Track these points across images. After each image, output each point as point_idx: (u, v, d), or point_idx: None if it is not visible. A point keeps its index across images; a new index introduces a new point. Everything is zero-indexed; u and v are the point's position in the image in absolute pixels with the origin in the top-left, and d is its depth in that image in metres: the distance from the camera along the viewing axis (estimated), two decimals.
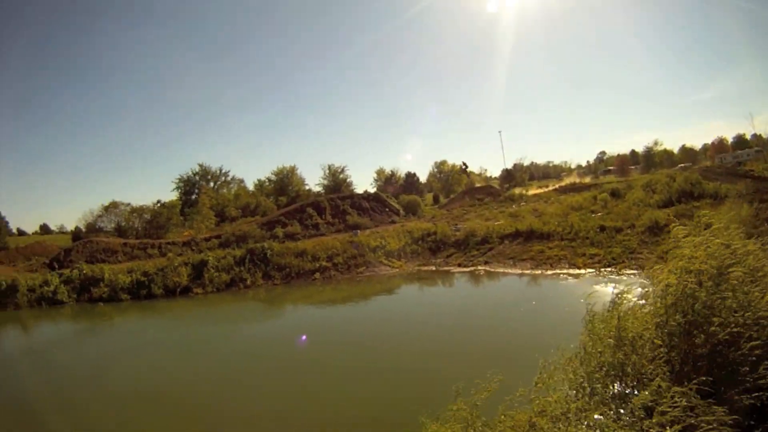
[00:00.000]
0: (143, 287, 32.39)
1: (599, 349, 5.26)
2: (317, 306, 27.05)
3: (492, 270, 29.12)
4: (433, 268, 31.78)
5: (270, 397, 14.00)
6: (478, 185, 66.98)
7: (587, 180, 68.61)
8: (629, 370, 5.02)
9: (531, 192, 57.14)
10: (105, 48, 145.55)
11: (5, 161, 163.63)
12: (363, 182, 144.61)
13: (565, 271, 26.16)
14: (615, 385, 5.05)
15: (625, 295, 5.49)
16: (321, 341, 19.03)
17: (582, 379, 5.25)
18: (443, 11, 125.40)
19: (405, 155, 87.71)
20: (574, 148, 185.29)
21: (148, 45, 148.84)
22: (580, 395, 5.17)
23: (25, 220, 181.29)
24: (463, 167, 71.91)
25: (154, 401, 14.61)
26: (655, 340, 5.06)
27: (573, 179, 72.46)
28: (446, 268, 31.29)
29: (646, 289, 5.79)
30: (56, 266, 42.36)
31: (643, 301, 5.64)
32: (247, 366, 17.17)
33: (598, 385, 5.10)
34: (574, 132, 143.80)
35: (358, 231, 39.42)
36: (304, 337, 18.99)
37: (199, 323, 26.48)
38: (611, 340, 5.18)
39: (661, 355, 4.94)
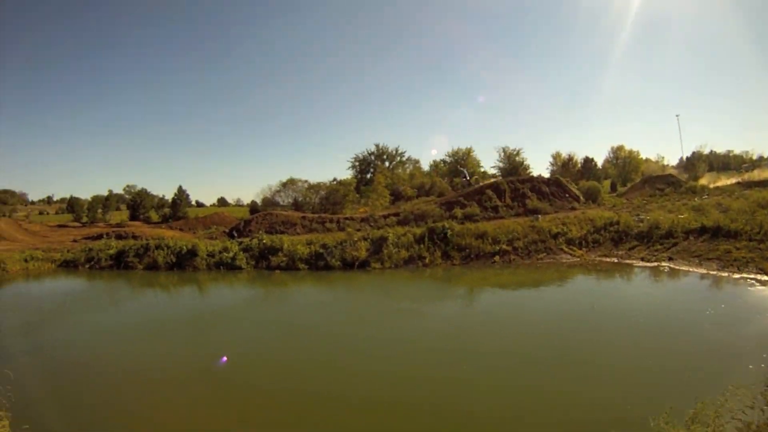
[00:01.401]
0: (321, 259, 33.03)
1: None
2: (496, 289, 26.00)
3: (676, 267, 26.05)
4: (615, 260, 29.08)
5: (449, 380, 13.19)
6: (657, 174, 60.88)
7: None
8: None
9: (713, 184, 51.00)
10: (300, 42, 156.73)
11: (191, 146, 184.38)
12: (538, 166, 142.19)
13: (752, 276, 22.67)
14: None
15: None
16: (501, 327, 18.55)
17: None
18: None
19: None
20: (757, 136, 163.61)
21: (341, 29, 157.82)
22: None
23: (204, 193, 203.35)
24: (464, 177, 63.05)
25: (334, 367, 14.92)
26: None
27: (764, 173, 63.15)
28: (628, 261, 28.53)
29: None
30: (235, 235, 45.44)
31: None
32: (426, 343, 16.79)
33: None
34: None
35: (539, 216, 37.19)
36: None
37: (378, 296, 26.55)
38: None
39: None
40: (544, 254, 30.79)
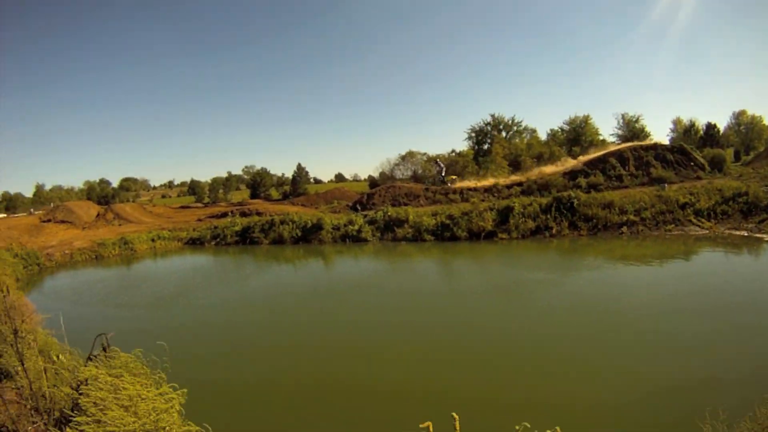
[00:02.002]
0: (447, 230, 33.67)
1: None
2: (626, 262, 24.55)
3: None
4: (745, 234, 27.64)
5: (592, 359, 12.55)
6: None
7: None
8: None
9: None
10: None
11: (308, 125, 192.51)
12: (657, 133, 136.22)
13: None
14: None
15: None
16: (637, 304, 16.92)
17: None
18: None
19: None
20: None
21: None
22: None
23: (321, 170, 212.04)
24: (438, 170, 57.30)
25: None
26: None
27: None
28: (759, 235, 26.89)
29: None
30: (359, 208, 47.46)
31: None
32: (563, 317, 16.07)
33: None
34: None
35: (665, 185, 36.10)
36: None
37: (507, 267, 26.31)
38: None
39: None
40: (672, 225, 30.07)
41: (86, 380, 6.36)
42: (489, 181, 49.18)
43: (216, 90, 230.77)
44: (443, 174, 54.35)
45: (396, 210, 38.38)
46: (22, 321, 6.47)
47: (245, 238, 42.32)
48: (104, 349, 6.99)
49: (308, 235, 39.08)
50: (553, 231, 31.13)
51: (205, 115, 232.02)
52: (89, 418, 5.63)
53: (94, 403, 5.80)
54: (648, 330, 14.14)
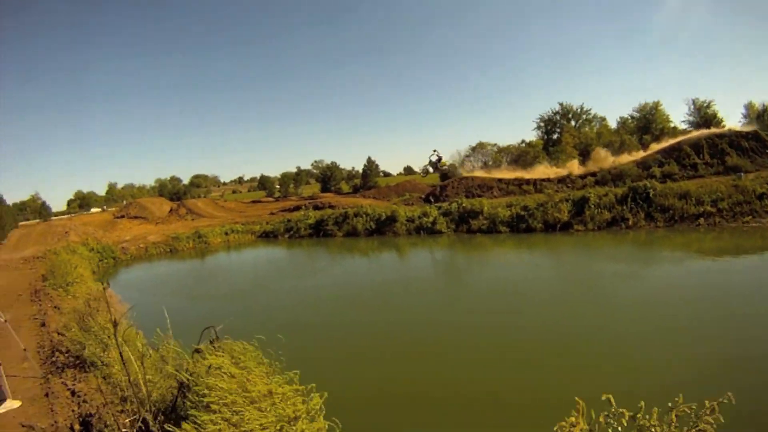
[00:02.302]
0: (522, 221, 33.99)
1: None
2: (702, 257, 23.48)
3: None
4: None
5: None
6: None
7: None
8: None
9: None
10: None
11: (377, 119, 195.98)
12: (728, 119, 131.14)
13: None
14: None
15: None
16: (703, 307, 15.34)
17: None
18: None
19: None
20: None
21: None
22: None
23: (389, 163, 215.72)
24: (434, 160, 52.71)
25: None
26: None
27: None
28: None
29: None
30: (432, 200, 48.82)
31: None
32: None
33: None
34: None
35: (742, 174, 35.34)
36: None
37: (591, 260, 26.03)
38: None
39: None
40: (750, 217, 29.10)
41: (207, 368, 5.92)
42: (563, 172, 49.43)
43: (283, 86, 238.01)
44: (438, 161, 54.61)
45: (470, 201, 38.76)
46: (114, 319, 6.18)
47: (319, 231, 43.67)
48: (211, 342, 6.50)
49: (382, 228, 40.03)
50: (629, 222, 30.79)
51: (273, 111, 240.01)
52: (215, 415, 5.30)
53: (218, 398, 5.43)
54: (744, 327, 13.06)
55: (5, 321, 8.82)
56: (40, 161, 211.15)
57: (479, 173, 56.00)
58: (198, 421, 5.22)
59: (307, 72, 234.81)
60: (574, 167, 50.89)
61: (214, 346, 6.42)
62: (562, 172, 50.08)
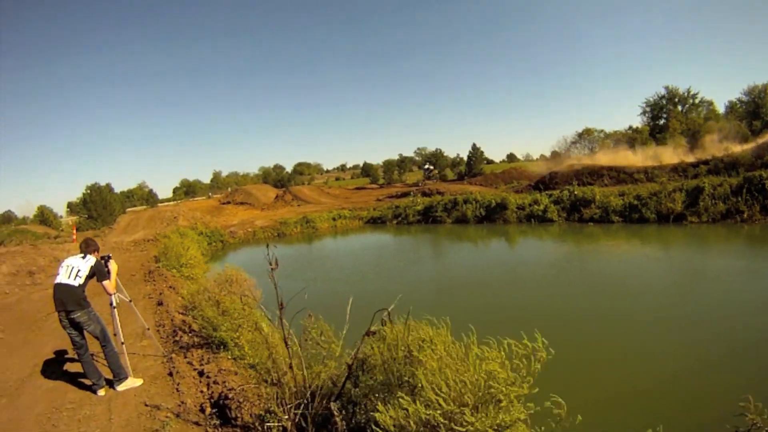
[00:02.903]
0: (635, 211, 33.35)
1: None
2: None
3: None
4: None
5: None
6: None
7: None
8: None
9: None
10: None
11: (479, 106, 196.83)
12: None
13: None
14: None
15: None
16: None
17: None
18: None
19: None
20: None
21: None
22: None
23: (492, 150, 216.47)
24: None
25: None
26: None
27: None
28: None
29: None
30: (541, 188, 48.91)
31: None
32: None
33: None
34: None
35: None
36: None
37: (700, 255, 24.33)
38: None
39: None
40: None
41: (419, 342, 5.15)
42: (673, 160, 47.86)
43: (385, 73, 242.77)
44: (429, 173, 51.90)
45: (582, 189, 38.37)
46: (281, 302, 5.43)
47: (427, 217, 44.18)
48: (383, 324, 5.61)
49: (492, 215, 40.16)
50: (744, 215, 29.23)
51: (375, 98, 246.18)
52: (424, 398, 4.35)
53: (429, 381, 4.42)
54: None
55: (129, 301, 8.78)
56: (147, 152, 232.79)
57: (587, 160, 55.59)
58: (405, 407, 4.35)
59: (415, 59, 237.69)
60: (683, 154, 49.47)
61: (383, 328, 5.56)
62: (670, 159, 48.60)
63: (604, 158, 54.45)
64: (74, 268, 7.21)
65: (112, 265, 7.78)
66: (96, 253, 7.68)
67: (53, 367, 9.04)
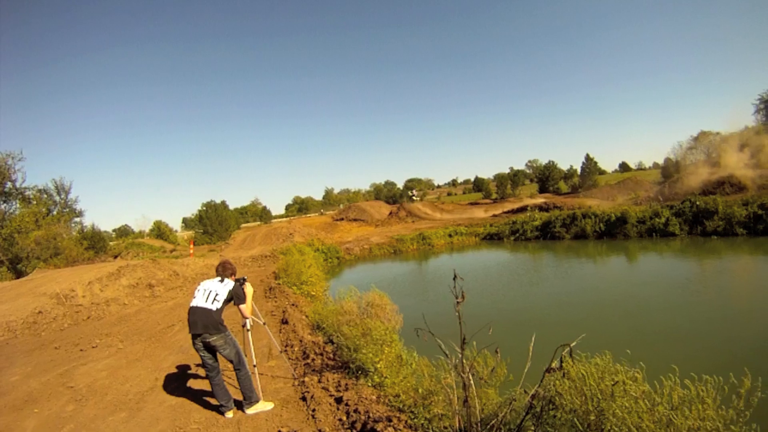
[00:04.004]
0: (760, 221, 30.88)
1: None
2: None
3: None
4: None
5: None
6: None
7: None
8: None
9: None
10: None
11: (590, 114, 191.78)
12: None
13: None
14: None
15: None
16: None
17: None
18: None
19: None
20: None
21: None
22: None
23: (602, 160, 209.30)
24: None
25: None
26: None
27: None
28: None
29: None
30: (660, 198, 46.39)
31: None
32: None
33: None
34: None
35: None
36: None
37: None
38: None
39: None
40: None
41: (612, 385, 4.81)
42: None
43: (497, 86, 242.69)
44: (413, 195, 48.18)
45: (703, 199, 35.42)
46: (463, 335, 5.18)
47: (545, 233, 41.96)
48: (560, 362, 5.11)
49: (612, 230, 37.75)
50: None
51: (483, 113, 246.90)
52: None
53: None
54: None
55: (264, 323, 8.78)
56: (260, 171, 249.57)
57: (704, 169, 51.68)
58: None
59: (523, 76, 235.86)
60: None
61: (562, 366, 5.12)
62: None
63: (732, 164, 49.53)
64: (212, 292, 7.16)
65: (248, 288, 7.61)
66: (232, 276, 7.63)
67: (175, 383, 8.91)
